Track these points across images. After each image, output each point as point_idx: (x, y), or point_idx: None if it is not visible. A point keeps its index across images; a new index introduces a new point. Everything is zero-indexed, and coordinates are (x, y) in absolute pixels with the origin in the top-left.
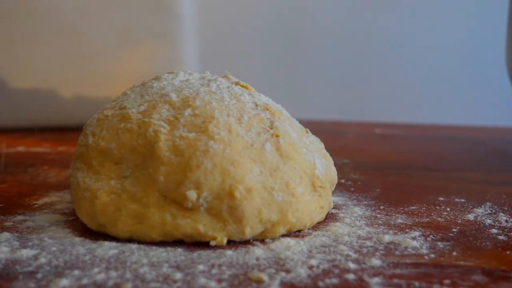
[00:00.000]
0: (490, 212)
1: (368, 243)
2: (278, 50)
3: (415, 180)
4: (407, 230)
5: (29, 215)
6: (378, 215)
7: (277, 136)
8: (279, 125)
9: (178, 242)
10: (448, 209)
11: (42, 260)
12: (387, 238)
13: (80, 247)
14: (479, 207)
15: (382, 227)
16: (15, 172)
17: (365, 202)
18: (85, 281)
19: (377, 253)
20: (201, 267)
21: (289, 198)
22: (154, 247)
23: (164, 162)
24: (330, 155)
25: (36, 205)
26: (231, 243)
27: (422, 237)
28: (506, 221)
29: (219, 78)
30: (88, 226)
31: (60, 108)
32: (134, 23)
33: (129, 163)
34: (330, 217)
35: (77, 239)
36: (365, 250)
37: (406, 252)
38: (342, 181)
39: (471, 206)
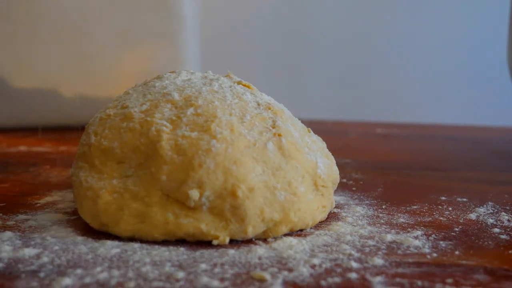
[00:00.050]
0: (492, 211)
1: (371, 242)
2: (279, 50)
3: (416, 179)
4: (409, 230)
5: (31, 214)
6: (380, 215)
7: (279, 135)
8: (281, 124)
9: (180, 241)
10: (450, 208)
11: (45, 259)
12: (389, 237)
13: (83, 246)
14: (481, 207)
15: (384, 226)
16: (17, 171)
17: (367, 202)
18: (87, 280)
19: (380, 252)
20: (203, 266)
21: (291, 198)
22: (157, 246)
23: (166, 161)
24: (332, 155)
25: (38, 204)
26: (234, 242)
27: (424, 236)
28: (508, 220)
29: (221, 78)
30: (91, 225)
31: (61, 107)
32: (135, 22)
33: (131, 162)
34: (332, 217)
35: (80, 238)
36: (367, 249)
37: (408, 251)
38: (344, 180)
39: (473, 206)
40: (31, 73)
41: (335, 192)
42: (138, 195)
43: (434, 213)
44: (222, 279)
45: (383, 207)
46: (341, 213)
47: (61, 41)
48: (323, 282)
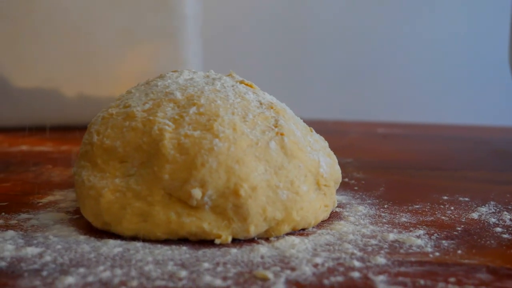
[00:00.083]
0: (494, 211)
1: (373, 241)
2: (281, 49)
3: (418, 179)
4: (411, 229)
5: (34, 213)
6: (382, 214)
7: (281, 134)
8: (283, 123)
9: (183, 240)
10: (452, 207)
11: (47, 258)
12: (391, 236)
13: (85, 245)
14: (483, 206)
15: (387, 225)
16: (19, 171)
17: (369, 201)
18: (90, 279)
19: (382, 251)
20: (206, 265)
21: (294, 197)
22: (159, 245)
23: (169, 160)
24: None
25: (40, 204)
26: (236, 241)
27: (427, 236)
28: (510, 219)
29: (223, 77)
30: (93, 224)
31: (63, 107)
32: (137, 22)
33: (134, 161)
34: (334, 216)
35: (82, 237)
36: (369, 249)
37: (410, 251)
38: (346, 180)
39: (475, 205)
40: (32, 73)
41: (337, 191)
42: (140, 194)
43: (436, 213)
44: (224, 278)
45: (385, 206)
46: (343, 213)
47: (63, 41)
48: (325, 281)
